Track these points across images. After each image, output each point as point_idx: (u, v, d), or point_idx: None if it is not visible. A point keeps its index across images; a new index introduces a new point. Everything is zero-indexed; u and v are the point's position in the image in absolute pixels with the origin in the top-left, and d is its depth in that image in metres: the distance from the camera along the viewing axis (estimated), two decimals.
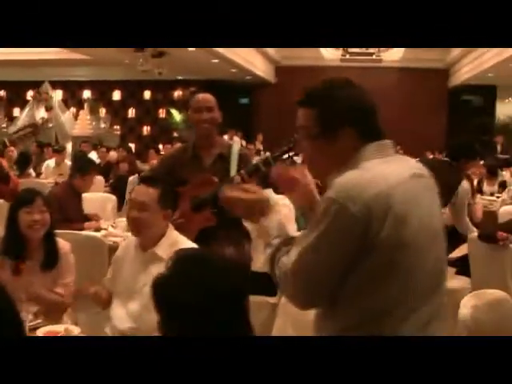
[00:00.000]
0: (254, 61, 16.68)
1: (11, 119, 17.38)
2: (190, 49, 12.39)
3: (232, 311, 1.65)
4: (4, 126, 16.56)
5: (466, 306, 2.84)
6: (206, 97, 3.95)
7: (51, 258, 3.49)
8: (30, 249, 3.48)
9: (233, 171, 3.64)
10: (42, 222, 3.44)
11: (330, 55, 19.26)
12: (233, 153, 3.75)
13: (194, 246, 3.11)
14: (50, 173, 10.16)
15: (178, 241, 3.14)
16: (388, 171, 1.95)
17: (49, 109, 15.27)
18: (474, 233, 5.10)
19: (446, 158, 5.41)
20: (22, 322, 1.32)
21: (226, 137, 4.01)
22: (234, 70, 16.17)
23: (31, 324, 2.98)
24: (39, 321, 3.08)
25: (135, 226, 3.13)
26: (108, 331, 3.14)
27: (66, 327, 2.95)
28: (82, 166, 6.05)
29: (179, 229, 3.30)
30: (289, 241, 2.07)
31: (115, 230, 5.43)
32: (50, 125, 14.86)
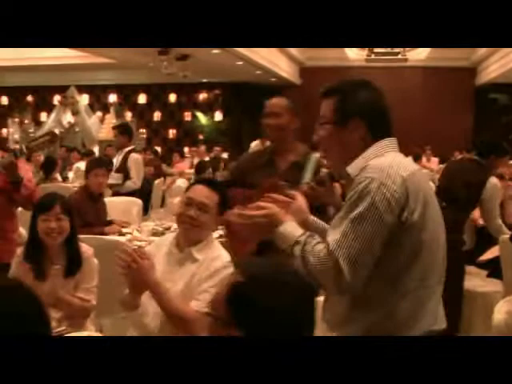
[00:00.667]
0: (278, 62, 16.64)
1: (38, 124, 17.54)
2: (214, 51, 12.38)
3: (309, 311, 1.67)
4: (31, 130, 16.71)
5: (501, 312, 2.77)
6: (273, 102, 3.91)
7: (73, 263, 3.48)
8: (51, 254, 3.47)
9: (305, 180, 3.56)
10: (59, 229, 3.42)
11: (355, 55, 19.14)
12: (310, 161, 3.62)
13: (223, 250, 3.10)
14: (79, 176, 10.19)
15: (214, 245, 3.14)
16: (407, 160, 2.22)
17: (75, 113, 15.37)
18: (506, 234, 4.97)
19: (475, 157, 5.29)
20: (49, 322, 1.29)
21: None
22: (258, 72, 16.13)
23: (55, 331, 2.96)
24: (63, 328, 3.07)
25: (190, 224, 3.09)
26: (133, 330, 3.12)
27: (89, 335, 2.93)
28: (90, 165, 6.05)
29: (236, 236, 3.27)
30: (314, 235, 2.17)
31: (140, 234, 5.40)
32: (77, 129, 14.95)
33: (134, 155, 7.76)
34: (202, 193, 3.12)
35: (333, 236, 2.06)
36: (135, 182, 7.57)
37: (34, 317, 1.24)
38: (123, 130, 8.07)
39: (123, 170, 7.55)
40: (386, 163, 2.09)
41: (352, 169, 2.20)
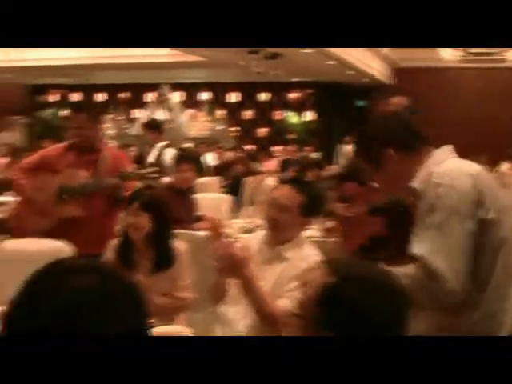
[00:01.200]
0: (370, 63, 16.45)
1: (131, 121, 17.89)
2: (305, 50, 12.33)
3: (402, 312, 1.65)
4: (126, 126, 17.07)
5: None
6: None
7: (161, 259, 3.53)
8: (138, 249, 3.53)
9: None
10: (136, 225, 3.49)
11: (450, 56, 18.68)
12: None
13: (314, 250, 3.09)
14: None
15: (303, 245, 3.15)
16: (468, 162, 2.22)
17: (168, 111, 15.62)
18: None
19: None
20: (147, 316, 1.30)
21: None
22: (350, 72, 15.98)
23: None
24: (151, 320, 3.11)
25: (272, 225, 3.13)
26: (219, 329, 3.15)
27: (175, 328, 2.97)
28: (177, 161, 6.12)
29: (348, 230, 3.28)
30: None
31: (229, 231, 5.44)
32: (171, 125, 15.19)
33: (169, 150, 7.77)
34: (283, 193, 3.12)
35: (424, 249, 2.04)
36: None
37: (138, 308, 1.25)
38: (151, 125, 8.15)
39: (159, 165, 7.57)
40: (452, 166, 2.10)
41: (416, 183, 2.19)
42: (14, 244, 4.33)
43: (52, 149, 4.92)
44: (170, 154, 7.59)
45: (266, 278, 3.03)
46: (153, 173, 4.49)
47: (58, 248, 4.19)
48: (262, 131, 20.21)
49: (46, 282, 1.18)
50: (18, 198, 5.06)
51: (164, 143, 7.89)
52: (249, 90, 19.90)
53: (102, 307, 1.15)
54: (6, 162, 9.38)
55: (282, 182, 3.34)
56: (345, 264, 1.77)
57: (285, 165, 9.04)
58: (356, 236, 3.35)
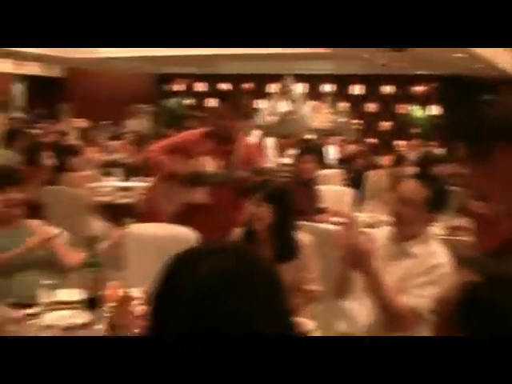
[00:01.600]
0: (501, 56, 15.87)
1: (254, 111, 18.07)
2: None
3: None
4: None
5: None
6: None
7: (284, 250, 3.54)
8: (261, 240, 3.55)
9: None
10: (259, 215, 3.51)
11: None
12: None
13: (441, 247, 3.03)
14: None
15: (430, 241, 3.10)
16: None
17: (291, 102, 15.68)
18: None
19: None
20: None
21: None
22: (478, 66, 15.49)
23: None
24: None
25: (397, 220, 3.12)
26: (342, 322, 3.13)
27: (299, 320, 2.97)
28: (301, 152, 6.11)
29: (483, 229, 3.20)
30: None
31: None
32: (294, 116, 15.24)
33: (268, 139, 7.73)
34: (408, 188, 3.09)
35: None
36: None
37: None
38: None
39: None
40: None
41: None
42: (141, 228, 4.46)
43: (191, 133, 5.02)
44: (269, 143, 7.64)
45: (391, 273, 2.99)
46: (285, 171, 4.53)
47: (184, 234, 4.29)
48: (385, 125, 19.95)
49: (183, 266, 1.21)
50: (148, 184, 5.22)
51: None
52: (373, 82, 19.68)
53: (242, 289, 1.16)
54: (133, 147, 9.69)
55: (410, 177, 3.29)
56: (488, 263, 1.73)
57: (397, 160, 8.87)
58: (491, 236, 3.23)
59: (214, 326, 1.11)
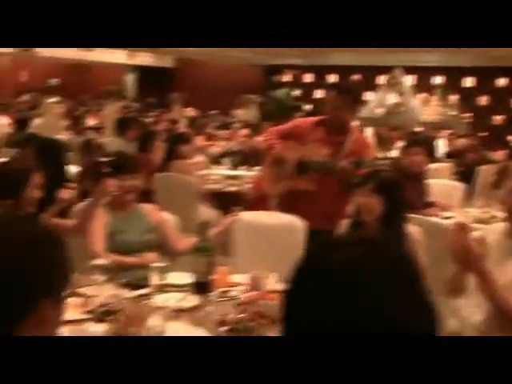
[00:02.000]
0: None
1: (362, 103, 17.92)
2: None
3: None
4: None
5: None
6: None
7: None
8: (369, 231, 3.51)
9: None
10: (369, 206, 3.47)
11: None
12: None
13: None
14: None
15: None
16: None
17: (400, 94, 15.44)
18: None
19: None
20: None
21: None
22: None
23: None
24: None
25: (509, 215, 3.01)
26: (452, 321, 3.07)
27: None
28: (408, 144, 5.99)
29: None
30: None
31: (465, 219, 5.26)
32: (402, 109, 15.02)
33: None
34: None
35: None
36: None
37: None
38: None
39: None
40: None
41: None
42: (250, 216, 4.50)
43: (304, 121, 5.04)
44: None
45: (507, 270, 2.90)
46: (385, 165, 4.46)
47: (293, 223, 4.31)
48: (498, 119, 19.35)
49: (318, 256, 1.17)
50: (256, 172, 5.27)
51: None
52: (485, 74, 19.10)
53: (390, 282, 1.12)
54: (244, 133, 9.80)
55: None
56: None
57: None
58: None
59: (363, 320, 1.07)
